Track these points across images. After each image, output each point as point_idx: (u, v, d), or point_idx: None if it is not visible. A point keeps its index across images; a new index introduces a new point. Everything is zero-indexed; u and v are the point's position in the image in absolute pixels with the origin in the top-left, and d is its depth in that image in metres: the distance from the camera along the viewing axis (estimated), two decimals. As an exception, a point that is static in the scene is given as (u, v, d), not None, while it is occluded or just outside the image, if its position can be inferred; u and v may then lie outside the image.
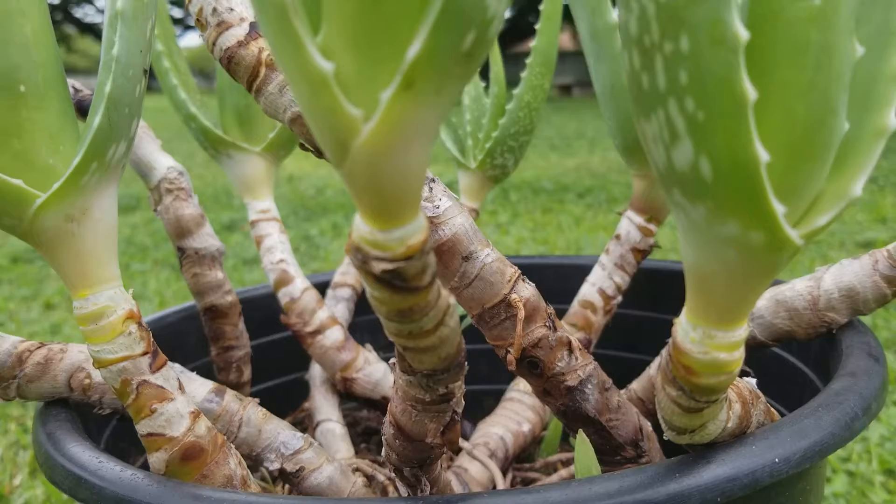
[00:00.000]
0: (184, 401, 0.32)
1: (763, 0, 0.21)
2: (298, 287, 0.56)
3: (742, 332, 0.24)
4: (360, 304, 0.65)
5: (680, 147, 0.21)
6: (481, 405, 0.65)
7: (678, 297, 0.63)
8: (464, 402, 0.52)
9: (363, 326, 0.66)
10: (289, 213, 2.55)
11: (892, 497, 0.86)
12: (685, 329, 0.24)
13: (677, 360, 0.24)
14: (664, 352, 0.26)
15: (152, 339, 0.33)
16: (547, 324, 0.41)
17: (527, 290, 0.41)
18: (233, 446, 0.34)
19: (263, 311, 0.62)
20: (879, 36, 0.24)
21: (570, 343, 0.41)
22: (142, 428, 0.32)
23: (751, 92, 0.19)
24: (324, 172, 3.42)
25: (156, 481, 0.31)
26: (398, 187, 0.21)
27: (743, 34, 0.19)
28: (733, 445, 0.30)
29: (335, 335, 0.55)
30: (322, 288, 0.63)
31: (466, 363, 0.30)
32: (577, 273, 0.62)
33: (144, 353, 0.32)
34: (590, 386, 0.42)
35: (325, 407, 0.55)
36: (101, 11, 20.53)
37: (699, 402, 0.25)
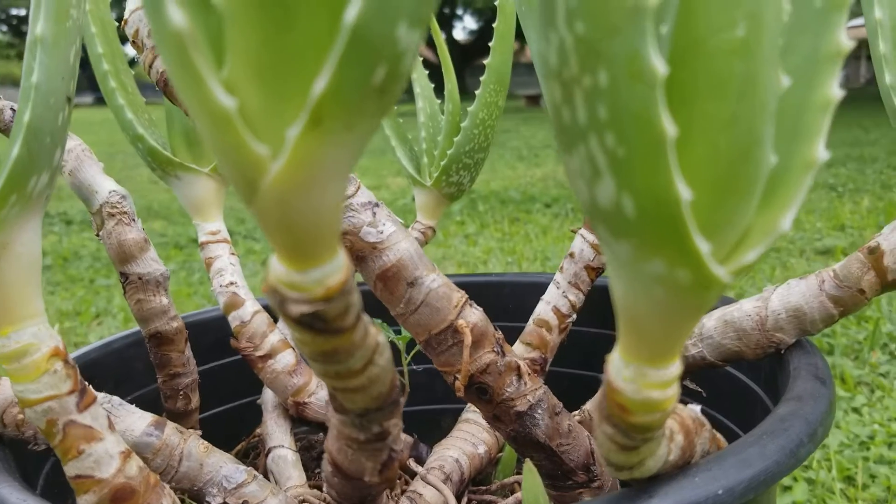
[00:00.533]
0: (114, 440, 0.31)
1: (686, 32, 0.21)
2: (249, 310, 0.54)
3: (675, 368, 0.23)
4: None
5: (602, 184, 0.20)
6: (439, 425, 0.64)
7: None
8: (403, 437, 0.51)
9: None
10: (233, 224, 2.50)
11: (853, 505, 0.87)
12: (618, 367, 0.23)
13: (611, 398, 0.24)
14: (600, 389, 0.25)
15: (80, 377, 0.31)
16: (495, 349, 0.40)
17: (474, 316, 0.40)
18: (167, 486, 0.33)
19: (215, 333, 0.60)
20: (808, 65, 0.23)
21: (518, 368, 0.41)
22: (70, 469, 0.31)
23: (670, 129, 0.19)
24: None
25: (83, 526, 0.30)
26: (312, 226, 0.20)
27: (661, 69, 0.19)
28: (676, 478, 0.30)
29: (287, 359, 0.54)
30: (275, 314, 0.62)
31: (405, 396, 0.29)
32: (533, 290, 0.62)
33: (71, 392, 0.31)
34: (539, 411, 0.41)
35: (277, 433, 0.54)
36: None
37: (635, 440, 0.25)
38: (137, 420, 0.40)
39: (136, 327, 0.58)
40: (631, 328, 0.23)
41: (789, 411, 0.35)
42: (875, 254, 0.40)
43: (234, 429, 0.62)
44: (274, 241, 0.21)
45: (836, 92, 0.23)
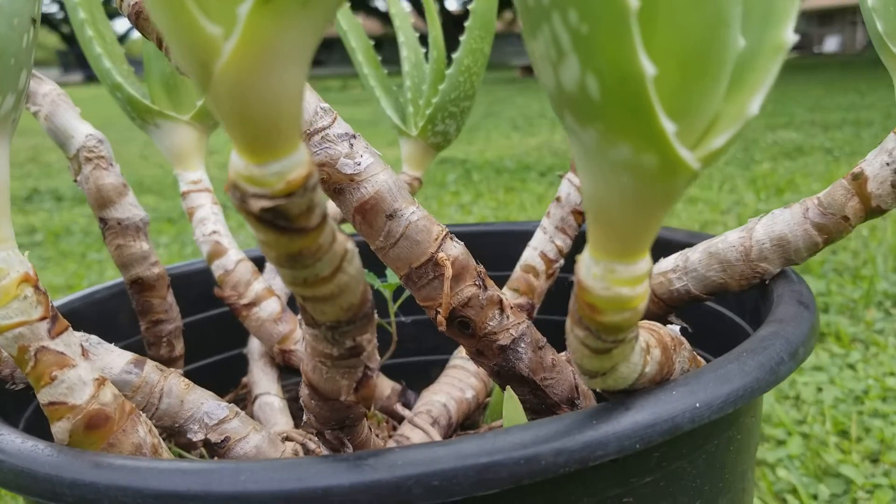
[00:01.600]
0: (87, 367, 0.31)
1: None
2: (232, 259, 0.54)
3: (644, 264, 0.23)
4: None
5: (566, 65, 0.20)
6: (428, 376, 0.64)
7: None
8: (391, 383, 0.51)
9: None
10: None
11: (846, 457, 0.87)
12: (587, 265, 0.23)
13: (581, 298, 0.23)
14: (572, 294, 0.25)
15: (51, 303, 0.31)
16: (476, 282, 0.40)
17: (455, 249, 0.40)
18: (143, 414, 0.32)
19: (199, 286, 0.60)
20: (779, -49, 0.23)
21: (501, 301, 0.40)
22: (42, 396, 0.30)
23: (632, 1, 0.18)
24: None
25: (57, 451, 0.29)
26: (270, 113, 0.20)
27: (623, -61, 0.18)
28: (653, 392, 0.30)
29: (272, 307, 0.53)
30: (260, 263, 0.62)
31: (375, 314, 0.29)
32: (520, 240, 0.61)
33: (42, 318, 0.30)
34: (523, 345, 0.41)
35: (263, 381, 0.54)
36: (56, 2, 20.09)
37: (606, 343, 0.24)
38: (116, 358, 0.39)
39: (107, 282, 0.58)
40: (599, 222, 0.22)
41: (770, 332, 0.35)
42: (859, 180, 0.39)
43: (221, 381, 0.61)
44: (231, 131, 0.21)
45: (807, -24, 0.22)
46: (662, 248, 0.57)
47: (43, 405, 0.31)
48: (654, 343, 0.29)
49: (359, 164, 0.39)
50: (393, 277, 0.59)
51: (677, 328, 0.32)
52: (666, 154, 0.20)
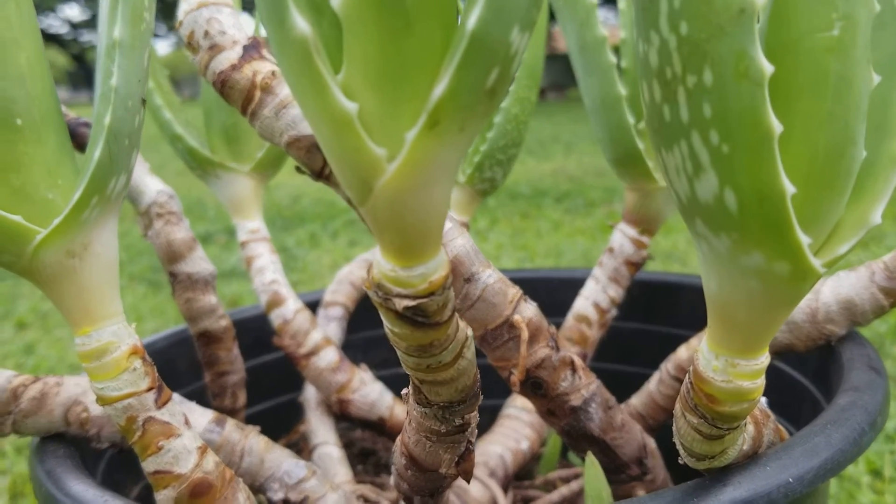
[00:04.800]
0: (191, 436, 0.32)
1: (781, 30, 0.21)
2: (291, 308, 0.55)
3: (764, 359, 0.24)
4: (351, 322, 0.65)
5: (704, 179, 0.21)
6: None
7: (672, 309, 0.63)
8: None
9: (355, 345, 0.66)
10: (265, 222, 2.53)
11: (879, 498, 0.87)
12: (707, 358, 0.24)
13: (699, 388, 0.24)
14: (685, 380, 0.26)
15: (157, 374, 0.32)
16: (550, 344, 0.41)
17: (529, 310, 0.41)
18: (241, 480, 0.33)
19: (254, 332, 0.61)
20: (892, 61, 0.24)
21: (573, 362, 0.41)
22: (148, 465, 0.31)
23: (776, 125, 0.19)
24: (299, 181, 3.40)
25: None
26: (421, 224, 0.21)
27: (768, 68, 0.19)
28: (748, 467, 0.30)
29: (330, 356, 0.54)
30: (312, 307, 0.63)
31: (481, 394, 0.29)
32: (566, 286, 0.62)
33: (150, 389, 0.31)
34: (594, 405, 0.42)
35: (321, 430, 0.55)
36: (66, 22, 20.30)
37: (721, 430, 0.25)
38: (198, 417, 0.40)
39: (170, 328, 0.59)
40: (722, 320, 0.23)
41: (849, 401, 0.35)
42: (924, 246, 0.40)
43: (271, 428, 0.62)
44: (383, 239, 0.22)
45: (922, 87, 0.23)
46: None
47: (148, 473, 0.32)
48: (748, 419, 0.30)
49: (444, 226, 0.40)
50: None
51: (765, 401, 0.33)
52: (799, 263, 0.21)
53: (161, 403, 0.32)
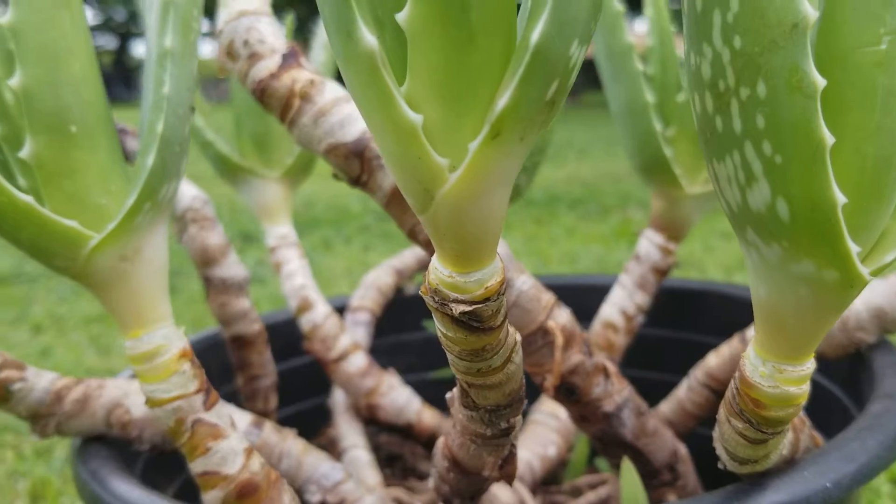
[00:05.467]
0: (238, 437, 0.32)
1: (830, 44, 0.22)
2: (320, 313, 0.56)
3: (810, 365, 0.24)
4: (377, 327, 0.66)
5: (756, 189, 0.21)
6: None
7: (698, 315, 0.63)
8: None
9: (381, 349, 0.66)
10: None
11: (900, 506, 0.87)
12: (754, 364, 0.24)
13: (745, 393, 0.25)
14: (730, 385, 0.26)
15: (205, 377, 0.33)
16: (583, 350, 0.41)
17: (563, 317, 0.41)
18: (285, 481, 0.34)
19: (283, 337, 0.62)
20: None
21: (606, 368, 0.42)
22: (196, 466, 0.32)
23: (828, 137, 0.20)
24: (314, 187, 3.41)
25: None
26: (480, 232, 0.22)
27: (820, 81, 0.20)
28: (787, 472, 0.31)
29: (358, 361, 0.55)
30: (338, 311, 0.63)
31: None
32: (593, 292, 0.63)
33: (198, 391, 0.32)
34: (626, 411, 0.42)
35: (350, 434, 0.55)
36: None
37: (765, 434, 0.26)
38: (237, 419, 0.41)
39: (200, 332, 0.59)
40: (770, 326, 0.24)
41: (883, 408, 0.36)
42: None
43: (299, 431, 0.63)
44: (442, 245, 0.22)
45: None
46: (746, 308, 0.59)
47: (196, 474, 0.32)
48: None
49: (473, 236, 0.40)
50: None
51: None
52: (847, 271, 0.21)
53: (209, 405, 0.32)
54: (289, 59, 0.41)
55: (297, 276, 0.57)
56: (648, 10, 0.59)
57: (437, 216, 0.21)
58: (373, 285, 0.66)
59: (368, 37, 0.19)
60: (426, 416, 0.56)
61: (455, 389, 0.30)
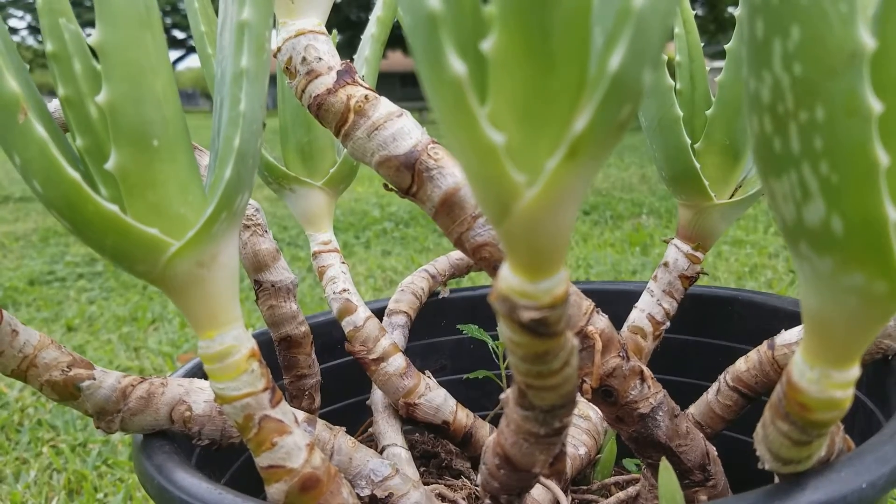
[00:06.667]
0: (300, 433, 0.34)
1: (884, 69, 0.24)
2: (361, 316, 0.58)
3: (856, 370, 0.26)
4: (411, 330, 0.67)
5: (812, 205, 0.23)
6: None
7: (722, 321, 0.65)
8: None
9: (415, 351, 0.68)
10: (299, 231, 2.57)
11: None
12: (801, 369, 0.26)
13: (792, 397, 0.26)
14: (776, 389, 0.28)
15: (271, 376, 0.34)
16: (621, 354, 0.43)
17: (601, 322, 0.43)
18: (343, 476, 0.36)
19: (321, 338, 0.64)
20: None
21: (642, 372, 0.43)
22: (262, 460, 0.34)
23: (883, 158, 0.22)
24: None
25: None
26: (551, 243, 0.23)
27: (876, 106, 0.21)
28: (823, 472, 0.32)
29: (398, 362, 0.57)
30: (376, 315, 0.65)
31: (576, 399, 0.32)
32: (620, 298, 0.64)
33: (265, 389, 0.34)
34: (661, 413, 0.44)
35: (389, 432, 0.57)
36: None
37: (810, 436, 0.27)
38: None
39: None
40: (819, 334, 0.25)
41: (915, 413, 0.37)
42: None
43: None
44: (514, 255, 0.24)
45: None
46: (770, 315, 0.60)
47: (261, 468, 0.34)
48: (826, 428, 0.32)
49: (518, 244, 0.42)
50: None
51: (837, 411, 0.35)
52: None
53: (275, 403, 0.34)
54: (344, 76, 0.44)
55: (339, 281, 0.59)
56: (676, 28, 0.60)
57: (513, 228, 0.23)
58: (408, 289, 0.68)
59: (458, 64, 0.21)
60: (461, 415, 0.58)
61: (510, 390, 0.32)
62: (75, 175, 0.31)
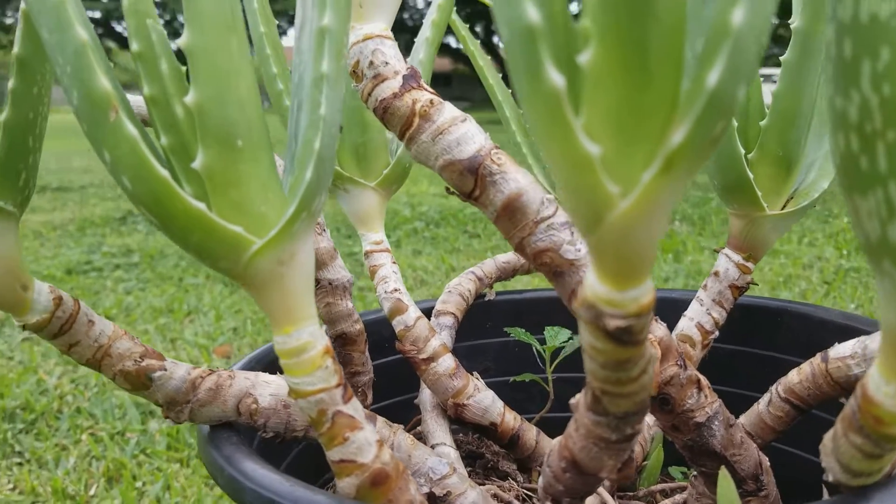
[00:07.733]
0: (371, 429, 0.35)
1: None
2: (412, 316, 0.58)
3: (932, 386, 0.26)
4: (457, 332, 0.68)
5: (897, 223, 0.23)
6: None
7: (770, 332, 0.65)
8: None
9: (460, 353, 0.69)
10: (331, 230, 2.60)
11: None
12: (877, 383, 0.26)
13: (867, 410, 0.27)
14: (849, 403, 0.28)
15: (343, 373, 0.35)
16: (678, 362, 0.44)
17: (660, 330, 0.43)
18: (409, 472, 0.37)
19: (370, 337, 0.65)
20: None
21: (699, 381, 0.44)
22: (334, 455, 0.35)
23: (972, 180, 0.22)
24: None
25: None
26: (641, 253, 0.24)
27: (967, 129, 0.22)
28: (887, 486, 0.33)
29: (447, 363, 0.58)
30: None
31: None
32: (666, 307, 0.65)
33: (338, 385, 0.35)
34: (716, 422, 0.44)
35: (438, 431, 0.58)
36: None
37: (883, 449, 0.28)
38: (351, 414, 0.44)
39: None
40: (897, 349, 0.26)
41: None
42: None
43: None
44: (602, 264, 0.25)
45: None
46: (819, 327, 0.60)
47: (333, 462, 0.35)
48: (891, 441, 0.32)
49: (579, 251, 0.43)
50: (551, 340, 0.63)
51: None
52: (979, 301, 0.23)
53: (347, 399, 0.35)
54: (409, 81, 0.44)
55: (391, 281, 0.60)
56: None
57: (605, 237, 0.24)
58: (455, 291, 0.68)
59: (556, 76, 0.22)
60: (508, 417, 0.59)
61: (581, 396, 0.32)
62: (165, 173, 0.32)
